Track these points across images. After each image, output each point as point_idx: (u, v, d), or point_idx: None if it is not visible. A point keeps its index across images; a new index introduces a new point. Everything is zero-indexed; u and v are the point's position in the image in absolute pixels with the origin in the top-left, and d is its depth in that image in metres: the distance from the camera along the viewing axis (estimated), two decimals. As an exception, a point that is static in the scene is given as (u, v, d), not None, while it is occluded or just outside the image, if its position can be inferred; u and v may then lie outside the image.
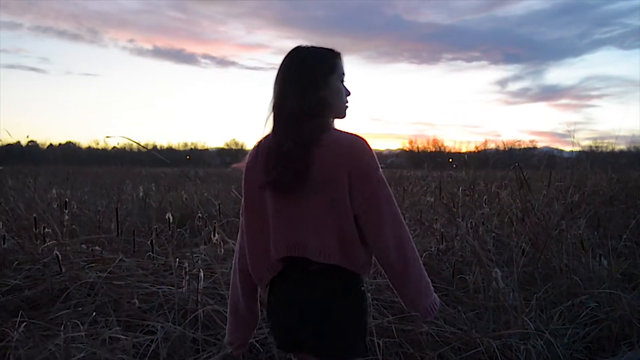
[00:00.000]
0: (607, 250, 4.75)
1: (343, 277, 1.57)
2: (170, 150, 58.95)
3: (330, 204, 1.53)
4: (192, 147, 59.58)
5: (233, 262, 1.80)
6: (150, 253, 3.65)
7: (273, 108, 1.63)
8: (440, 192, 4.93)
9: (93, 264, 3.66)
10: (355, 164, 1.53)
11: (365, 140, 1.58)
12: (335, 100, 1.63)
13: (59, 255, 3.19)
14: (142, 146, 3.61)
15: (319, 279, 1.57)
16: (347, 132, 1.60)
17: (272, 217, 1.61)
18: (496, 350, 3.02)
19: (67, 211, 3.93)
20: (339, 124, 1.69)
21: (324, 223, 1.54)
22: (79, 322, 2.76)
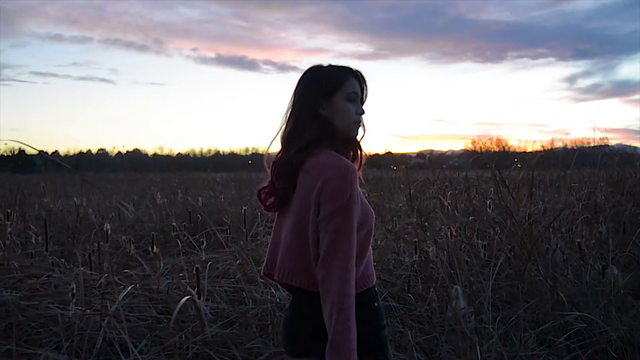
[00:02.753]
0: (627, 259, 4.16)
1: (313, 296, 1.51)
2: (232, 155, 60.20)
3: (300, 228, 1.53)
4: (254, 151, 60.55)
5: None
6: (82, 268, 3.36)
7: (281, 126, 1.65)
8: (409, 197, 4.41)
9: (29, 279, 3.42)
10: (324, 188, 1.47)
11: (347, 168, 1.48)
12: (336, 119, 1.59)
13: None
14: (38, 150, 3.38)
15: (298, 294, 1.60)
16: (335, 158, 1.52)
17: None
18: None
19: (9, 222, 3.71)
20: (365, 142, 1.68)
21: (293, 246, 1.55)
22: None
